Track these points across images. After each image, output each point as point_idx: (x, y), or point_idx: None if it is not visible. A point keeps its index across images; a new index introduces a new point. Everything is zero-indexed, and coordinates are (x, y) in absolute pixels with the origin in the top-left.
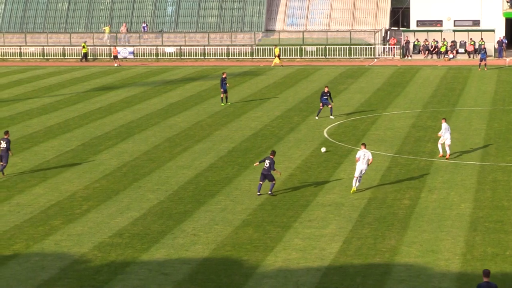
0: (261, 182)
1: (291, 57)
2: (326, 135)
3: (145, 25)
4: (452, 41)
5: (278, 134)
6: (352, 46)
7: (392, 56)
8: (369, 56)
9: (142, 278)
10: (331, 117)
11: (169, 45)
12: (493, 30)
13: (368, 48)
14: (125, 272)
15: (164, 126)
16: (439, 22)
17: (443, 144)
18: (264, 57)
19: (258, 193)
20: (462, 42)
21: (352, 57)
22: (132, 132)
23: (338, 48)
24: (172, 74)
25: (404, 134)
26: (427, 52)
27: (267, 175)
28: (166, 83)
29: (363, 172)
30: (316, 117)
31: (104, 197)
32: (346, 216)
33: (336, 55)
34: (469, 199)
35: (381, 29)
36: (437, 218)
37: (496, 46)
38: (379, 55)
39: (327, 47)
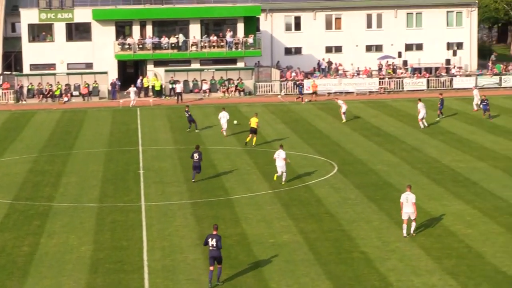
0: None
1: None
2: None
3: None
4: (67, 84)
5: None
6: None
7: (6, 101)
8: None
9: None
10: None
11: None
12: (106, 73)
13: None
14: None
15: None
16: (52, 66)
17: None
18: None
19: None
20: (76, 85)
21: None
22: None
23: None
24: None
25: (22, 179)
26: (41, 96)
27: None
28: None
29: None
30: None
31: None
32: None
33: None
34: (89, 241)
35: None
36: (57, 262)
37: (110, 88)
38: None
39: None
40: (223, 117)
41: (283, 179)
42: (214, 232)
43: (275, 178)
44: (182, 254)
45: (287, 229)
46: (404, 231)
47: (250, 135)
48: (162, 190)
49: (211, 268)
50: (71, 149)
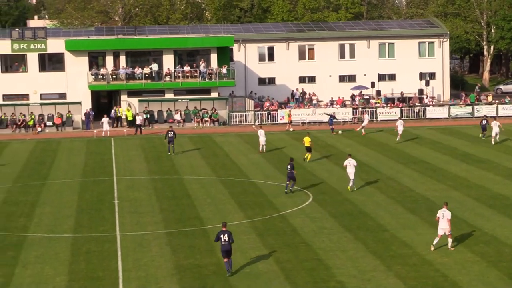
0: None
1: None
2: None
3: None
4: (40, 115)
5: None
6: None
7: None
8: None
9: None
10: None
11: None
12: (79, 103)
13: None
14: None
15: None
16: (25, 96)
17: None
18: None
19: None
20: (49, 115)
21: None
22: None
23: None
24: None
25: None
26: (15, 126)
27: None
28: None
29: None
30: None
31: None
32: None
33: None
34: (64, 272)
35: None
36: None
37: (84, 118)
38: None
39: None
40: (261, 135)
41: (354, 186)
42: (224, 229)
43: (349, 189)
44: (157, 284)
45: (263, 259)
46: (434, 242)
47: (308, 153)
48: (137, 220)
49: (226, 260)
50: (45, 179)
